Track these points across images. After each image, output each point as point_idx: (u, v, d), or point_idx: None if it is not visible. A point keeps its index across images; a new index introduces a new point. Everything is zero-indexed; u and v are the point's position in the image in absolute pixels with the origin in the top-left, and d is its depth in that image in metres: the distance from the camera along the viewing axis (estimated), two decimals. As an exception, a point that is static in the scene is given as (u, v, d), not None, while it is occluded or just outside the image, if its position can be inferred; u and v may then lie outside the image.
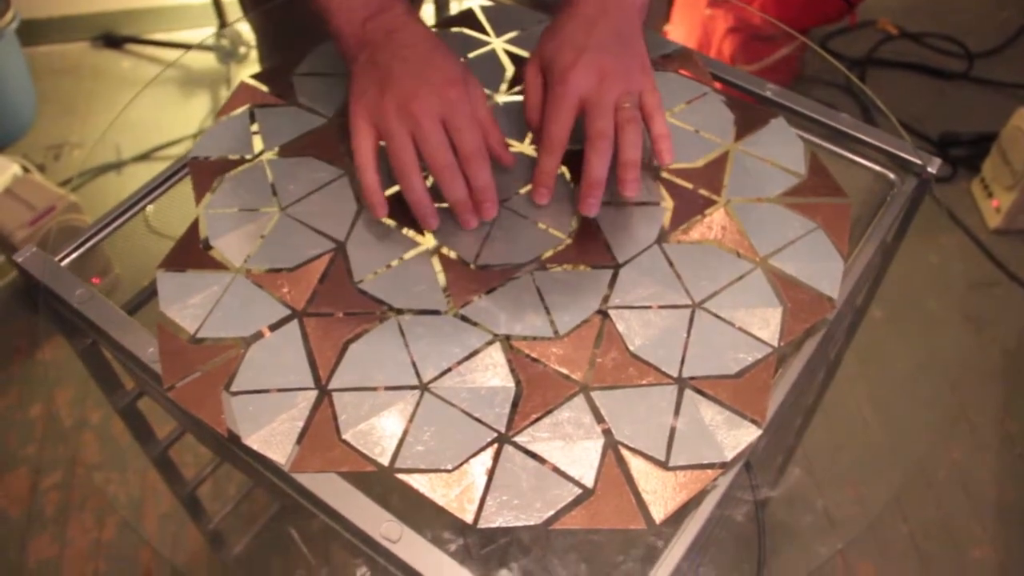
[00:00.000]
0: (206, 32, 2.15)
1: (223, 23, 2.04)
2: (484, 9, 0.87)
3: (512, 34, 0.84)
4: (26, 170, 1.64)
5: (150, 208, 0.73)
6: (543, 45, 0.68)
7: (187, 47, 2.11)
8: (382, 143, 0.65)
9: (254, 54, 1.99)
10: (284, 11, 0.94)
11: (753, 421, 0.56)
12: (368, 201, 0.65)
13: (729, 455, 0.55)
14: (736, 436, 0.56)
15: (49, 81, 2.03)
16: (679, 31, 1.75)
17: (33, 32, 2.01)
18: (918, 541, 1.31)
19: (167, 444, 0.87)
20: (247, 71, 1.63)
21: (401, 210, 0.67)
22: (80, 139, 1.91)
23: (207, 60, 2.05)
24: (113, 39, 2.12)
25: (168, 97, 1.95)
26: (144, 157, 1.82)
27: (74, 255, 0.69)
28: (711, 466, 0.55)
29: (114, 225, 0.72)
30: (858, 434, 1.43)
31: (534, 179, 0.67)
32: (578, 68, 0.64)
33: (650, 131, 0.67)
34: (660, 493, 0.53)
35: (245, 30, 1.98)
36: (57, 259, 0.68)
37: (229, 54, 2.01)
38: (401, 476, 0.54)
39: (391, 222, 0.67)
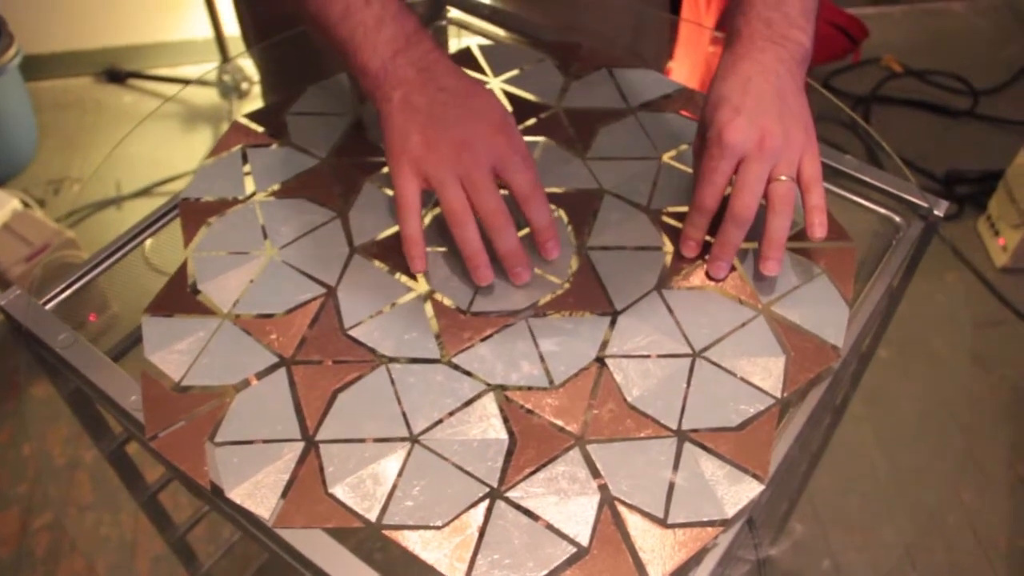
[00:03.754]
0: (209, 68, 2.16)
1: (226, 59, 2.05)
2: (482, 48, 0.85)
3: (511, 73, 0.83)
4: (26, 205, 1.64)
5: (149, 243, 0.72)
6: (703, 109, 0.66)
7: (187, 82, 2.11)
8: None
9: (256, 90, 1.99)
10: (288, 46, 0.93)
11: (755, 476, 0.54)
12: (409, 252, 0.63)
13: (730, 511, 0.53)
14: (737, 492, 0.54)
15: (51, 115, 2.04)
16: (681, 69, 1.74)
17: (36, 67, 2.01)
18: (927, 587, 1.28)
19: (156, 489, 0.85)
20: (249, 106, 1.63)
21: (393, 254, 0.66)
22: (81, 173, 1.91)
23: (209, 95, 2.05)
24: (116, 74, 2.13)
25: (170, 132, 1.95)
26: (145, 192, 1.81)
27: (62, 296, 0.67)
28: (712, 523, 0.52)
29: (108, 263, 0.70)
30: (865, 477, 1.40)
31: (682, 242, 0.66)
32: (735, 126, 0.61)
33: (805, 201, 0.63)
34: (658, 552, 0.51)
35: (247, 65, 1.98)
36: (43, 301, 0.66)
37: (231, 89, 2.01)
38: (389, 533, 0.52)
39: (383, 266, 0.66)
